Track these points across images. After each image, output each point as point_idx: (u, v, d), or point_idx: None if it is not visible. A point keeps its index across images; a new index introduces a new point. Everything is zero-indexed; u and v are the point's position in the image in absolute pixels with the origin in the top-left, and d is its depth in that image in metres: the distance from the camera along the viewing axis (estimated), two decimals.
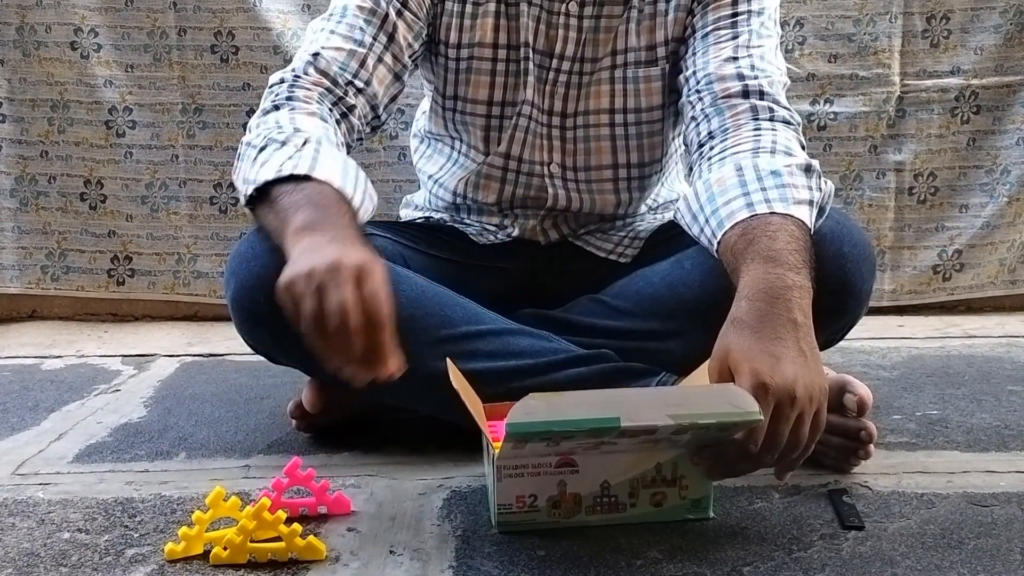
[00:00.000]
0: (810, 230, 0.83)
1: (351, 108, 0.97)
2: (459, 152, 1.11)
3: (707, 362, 0.78)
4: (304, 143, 0.86)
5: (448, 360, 0.80)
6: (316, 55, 0.97)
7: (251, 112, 1.68)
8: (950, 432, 1.05)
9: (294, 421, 1.06)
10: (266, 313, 0.91)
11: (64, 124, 1.73)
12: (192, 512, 0.78)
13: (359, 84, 0.97)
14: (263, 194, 0.85)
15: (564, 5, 1.02)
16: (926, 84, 1.67)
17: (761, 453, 0.72)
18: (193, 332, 1.67)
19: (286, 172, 0.83)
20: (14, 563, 0.76)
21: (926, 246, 1.72)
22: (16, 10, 1.70)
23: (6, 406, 1.22)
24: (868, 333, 1.50)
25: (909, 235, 1.72)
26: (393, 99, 1.03)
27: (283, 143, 0.87)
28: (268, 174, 0.84)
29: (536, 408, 0.70)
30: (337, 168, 0.85)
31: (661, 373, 0.93)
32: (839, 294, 0.90)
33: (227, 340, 1.53)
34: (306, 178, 0.82)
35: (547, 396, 0.71)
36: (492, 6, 1.02)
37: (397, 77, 1.01)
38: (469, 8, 1.03)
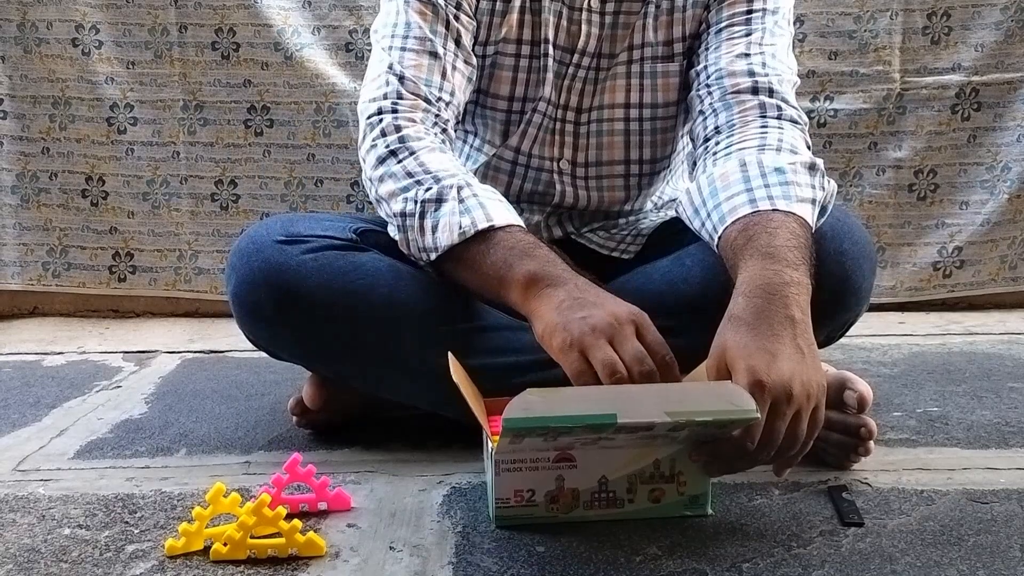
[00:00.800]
0: (811, 228, 0.83)
1: (446, 123, 0.97)
2: (471, 146, 1.11)
3: (695, 371, 0.79)
4: (459, 191, 0.88)
5: (450, 354, 0.81)
6: (402, 78, 0.95)
7: (252, 109, 1.71)
8: (950, 429, 1.05)
9: (295, 417, 1.06)
10: (267, 308, 0.92)
11: (65, 121, 1.73)
12: (192, 508, 0.78)
13: (447, 97, 0.97)
14: (445, 257, 0.88)
15: (585, 1, 1.02)
16: (926, 81, 1.67)
17: (758, 450, 0.72)
18: (194, 328, 1.67)
19: (470, 232, 0.85)
20: (15, 559, 0.76)
21: (926, 243, 1.72)
22: (17, 7, 1.70)
23: (7, 402, 1.23)
24: (869, 330, 1.50)
25: (909, 232, 1.72)
26: (469, 101, 1.04)
27: (439, 200, 0.88)
28: (449, 238, 0.86)
29: (533, 403, 0.70)
30: (503, 207, 0.89)
31: None
32: (840, 291, 0.90)
33: (228, 336, 1.53)
34: (490, 230, 0.85)
35: (544, 391, 0.71)
36: (517, 3, 1.02)
37: (469, 80, 1.01)
38: (499, 6, 1.03)
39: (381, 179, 0.92)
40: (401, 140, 0.92)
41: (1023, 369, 1.31)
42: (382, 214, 0.94)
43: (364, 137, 0.95)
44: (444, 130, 0.97)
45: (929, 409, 1.12)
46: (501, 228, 0.86)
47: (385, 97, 0.95)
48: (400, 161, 0.91)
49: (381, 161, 0.92)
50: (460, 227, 0.86)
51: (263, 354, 1.03)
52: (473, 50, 1.03)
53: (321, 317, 0.91)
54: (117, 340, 1.60)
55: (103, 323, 1.74)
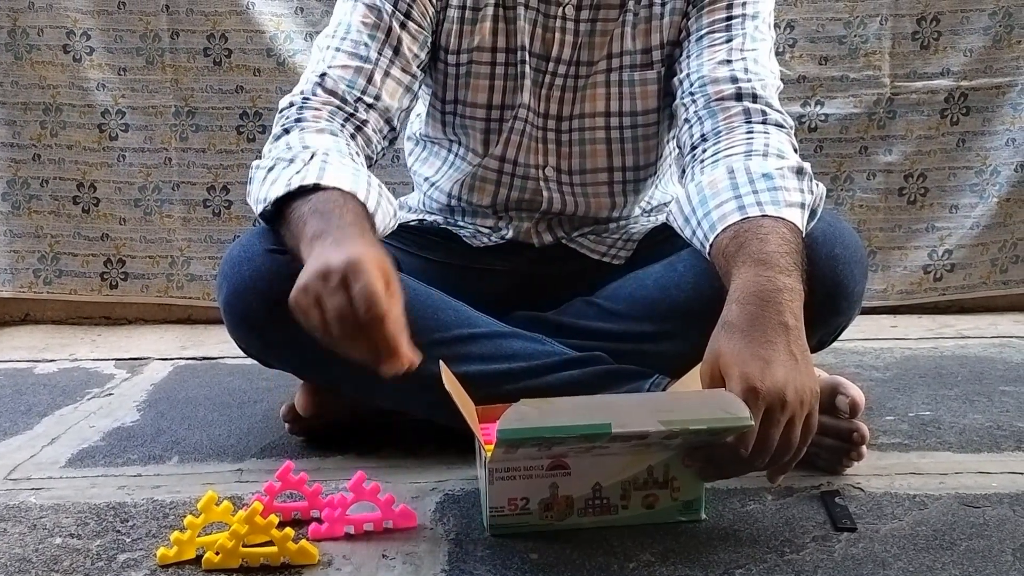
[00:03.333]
0: (802, 232, 0.84)
1: (363, 123, 0.97)
2: (455, 155, 1.11)
3: (698, 365, 0.79)
4: (311, 157, 0.87)
5: (441, 362, 0.80)
6: (323, 75, 0.96)
7: (244, 115, 1.71)
8: (942, 433, 1.05)
9: (287, 424, 1.06)
10: (258, 317, 0.91)
11: (56, 127, 1.73)
12: (184, 516, 0.78)
13: (368, 100, 0.97)
14: (279, 214, 0.85)
15: (561, 8, 1.02)
16: (916, 86, 1.68)
17: (752, 457, 0.73)
18: (187, 335, 1.67)
19: (295, 186, 0.83)
20: (5, 568, 0.76)
21: (916, 246, 1.73)
22: (8, 13, 1.69)
23: None
24: (861, 334, 1.50)
25: (899, 235, 1.73)
26: (407, 110, 1.03)
27: (291, 160, 0.87)
28: (278, 191, 0.84)
29: (527, 414, 0.70)
30: (346, 174, 0.85)
31: (654, 375, 0.93)
32: (832, 296, 0.91)
33: (221, 343, 1.52)
34: (315, 188, 0.83)
35: (538, 402, 0.71)
36: (490, 11, 1.03)
37: (408, 88, 1.01)
38: (469, 14, 1.03)
39: (267, 153, 0.92)
40: (297, 122, 0.93)
41: (1015, 372, 1.31)
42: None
43: (273, 130, 0.95)
44: (359, 127, 0.96)
45: (921, 413, 1.12)
46: (323, 188, 0.82)
47: (301, 93, 0.96)
48: (285, 136, 0.92)
49: (275, 139, 0.93)
50: (288, 181, 0.84)
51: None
52: (446, 57, 1.03)
53: None
54: (109, 347, 1.59)
55: (95, 330, 1.73)
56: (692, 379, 0.81)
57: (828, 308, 0.92)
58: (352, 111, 0.96)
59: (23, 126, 1.73)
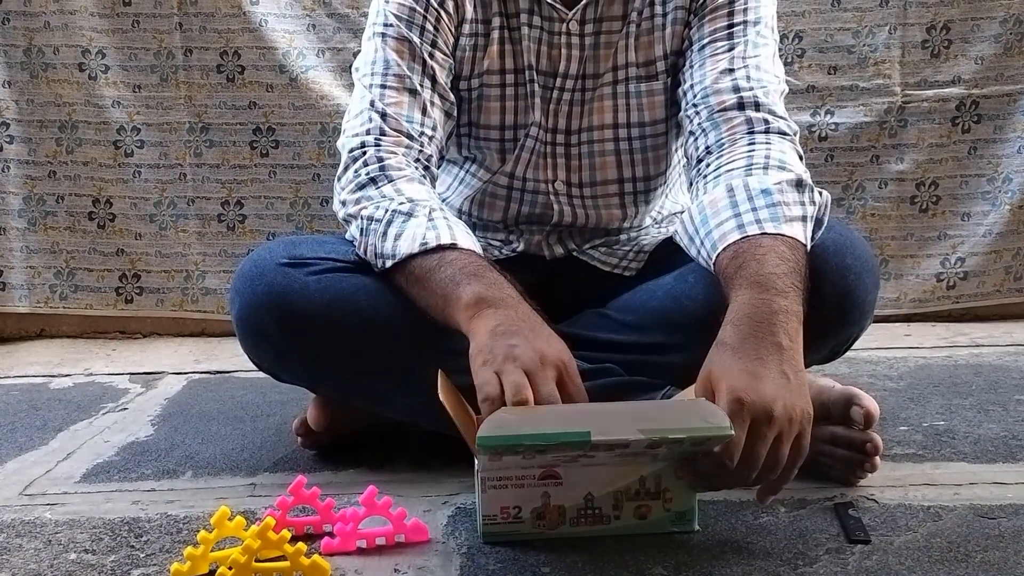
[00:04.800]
0: (804, 246, 0.84)
1: (428, 158, 0.98)
2: (467, 171, 1.12)
3: (683, 393, 0.79)
4: (430, 212, 0.89)
5: (440, 372, 0.81)
6: (384, 115, 0.97)
7: (257, 131, 1.73)
8: (957, 443, 1.04)
9: (299, 438, 1.07)
10: (271, 331, 0.92)
11: (72, 144, 1.75)
12: (198, 531, 0.78)
13: (429, 132, 0.98)
14: (400, 267, 0.88)
15: (564, 25, 1.03)
16: (927, 94, 1.68)
17: (739, 469, 0.72)
18: (201, 349, 1.68)
19: (432, 244, 0.86)
20: None
21: (928, 255, 1.72)
22: (24, 32, 1.72)
23: (14, 425, 1.23)
24: (875, 343, 1.50)
25: (911, 244, 1.72)
26: (450, 136, 1.05)
27: (408, 214, 0.89)
28: (409, 247, 0.87)
29: (507, 422, 0.71)
30: (470, 236, 0.89)
31: (666, 387, 0.93)
32: (843, 306, 0.90)
33: (234, 357, 1.53)
34: (451, 247, 0.86)
35: (520, 409, 0.72)
36: (496, 33, 1.03)
37: (448, 115, 1.02)
38: (480, 40, 1.04)
39: (357, 201, 0.94)
40: (382, 169, 0.94)
41: None
42: (350, 228, 0.95)
43: (345, 169, 0.97)
44: (427, 166, 0.98)
45: (935, 423, 1.12)
46: (459, 248, 0.86)
47: (368, 133, 0.97)
48: (379, 187, 0.93)
49: (361, 187, 0.94)
50: (423, 238, 0.87)
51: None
52: (459, 84, 1.05)
53: (326, 339, 0.92)
54: (124, 362, 1.61)
55: (110, 345, 1.75)
56: (688, 396, 0.81)
57: (839, 318, 0.91)
58: (420, 147, 0.97)
59: (39, 143, 1.75)
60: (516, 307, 0.82)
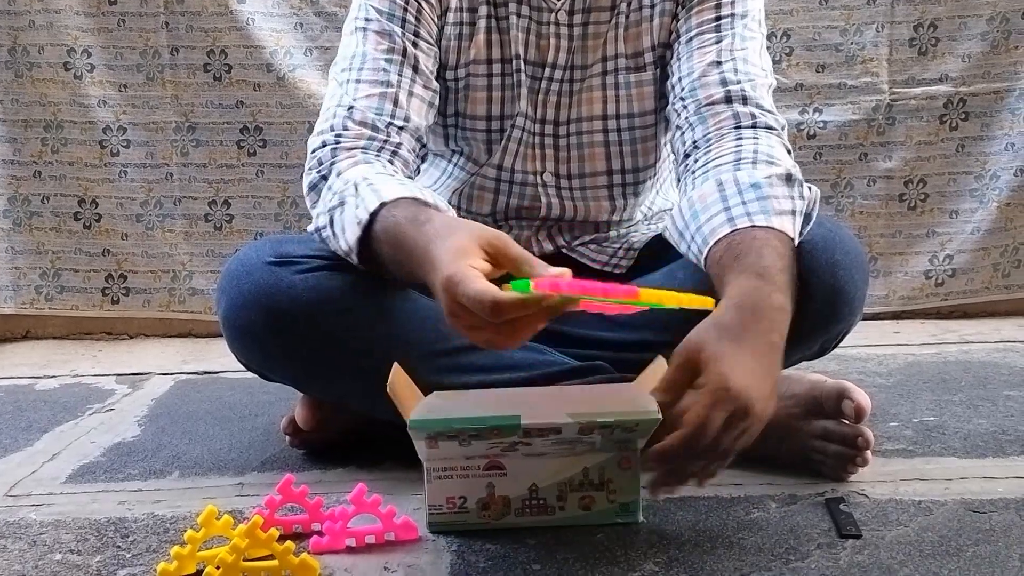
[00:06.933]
0: (793, 241, 0.84)
1: (397, 146, 0.97)
2: (455, 165, 1.12)
3: (653, 364, 0.79)
4: (356, 188, 0.87)
5: (395, 365, 0.80)
6: (351, 108, 0.96)
7: (244, 129, 1.72)
8: (947, 438, 1.04)
9: (287, 437, 1.06)
10: (258, 330, 0.91)
11: (58, 144, 1.74)
12: (185, 531, 0.77)
13: (398, 123, 0.97)
14: (363, 255, 0.86)
15: (553, 15, 1.03)
16: (915, 92, 1.68)
17: (701, 448, 0.69)
18: (188, 350, 1.67)
19: (365, 218, 0.84)
20: None
21: (917, 252, 1.72)
22: (8, 32, 1.70)
23: None
24: (865, 340, 1.50)
25: (900, 242, 1.73)
26: (435, 125, 1.04)
27: (341, 203, 0.88)
28: (355, 233, 0.85)
29: (439, 406, 0.72)
30: (395, 182, 0.87)
31: None
32: (833, 302, 0.91)
33: (222, 357, 1.52)
34: (379, 210, 0.83)
35: (451, 394, 0.73)
36: (483, 22, 1.03)
37: (431, 104, 1.01)
38: (465, 29, 1.03)
39: (313, 205, 0.93)
40: (332, 164, 0.93)
41: (1019, 377, 1.31)
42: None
43: (310, 171, 0.95)
44: (394, 152, 0.96)
45: (926, 419, 1.12)
46: (385, 205, 0.82)
47: (331, 129, 0.95)
48: (327, 182, 0.92)
49: (312, 187, 0.93)
50: (357, 218, 0.84)
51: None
52: (444, 74, 1.04)
53: (313, 337, 0.91)
54: (110, 362, 1.59)
55: (96, 346, 1.73)
56: (650, 375, 0.81)
57: (829, 314, 0.91)
58: (385, 137, 0.96)
59: (24, 143, 1.74)
60: (436, 241, 0.75)
